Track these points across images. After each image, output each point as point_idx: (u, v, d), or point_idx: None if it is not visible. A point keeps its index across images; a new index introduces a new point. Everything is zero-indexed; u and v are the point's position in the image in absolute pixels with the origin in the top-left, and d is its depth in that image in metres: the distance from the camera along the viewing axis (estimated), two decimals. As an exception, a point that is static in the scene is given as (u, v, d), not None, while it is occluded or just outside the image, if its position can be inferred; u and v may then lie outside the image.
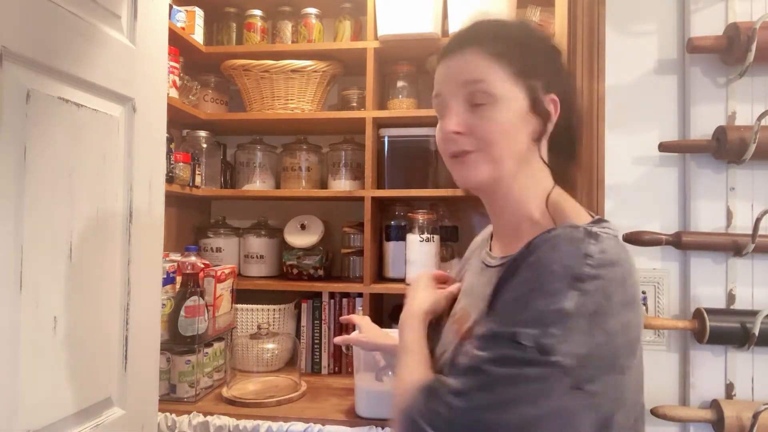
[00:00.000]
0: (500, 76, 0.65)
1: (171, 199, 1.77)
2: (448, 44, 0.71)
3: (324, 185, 1.97)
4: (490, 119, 0.65)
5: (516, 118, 0.65)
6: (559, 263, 0.56)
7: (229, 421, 1.40)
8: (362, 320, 1.16)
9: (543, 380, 0.53)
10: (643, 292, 1.34)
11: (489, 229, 0.84)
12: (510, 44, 0.67)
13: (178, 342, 1.48)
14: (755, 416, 1.17)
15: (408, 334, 0.74)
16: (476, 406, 0.55)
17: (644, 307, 1.32)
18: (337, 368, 1.83)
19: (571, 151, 0.73)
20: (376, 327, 1.14)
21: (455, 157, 0.68)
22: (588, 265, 0.55)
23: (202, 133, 1.90)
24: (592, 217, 0.66)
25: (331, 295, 1.85)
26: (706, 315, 1.23)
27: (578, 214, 0.66)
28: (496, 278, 0.63)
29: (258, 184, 1.95)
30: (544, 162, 0.70)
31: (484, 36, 0.68)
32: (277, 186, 2.00)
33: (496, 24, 0.70)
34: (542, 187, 0.69)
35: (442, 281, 0.86)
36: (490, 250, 0.77)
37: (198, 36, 1.79)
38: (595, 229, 0.58)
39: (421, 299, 0.79)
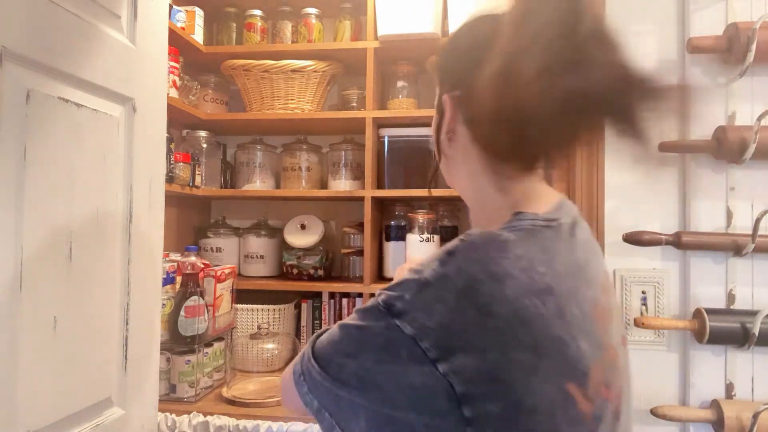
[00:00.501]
0: (439, 92, 0.67)
1: (171, 199, 1.77)
2: None
3: (324, 185, 1.97)
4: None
5: (435, 121, 0.68)
6: (444, 247, 0.54)
7: (229, 421, 1.40)
8: None
9: (385, 338, 0.51)
10: (643, 292, 1.34)
11: None
12: (438, 66, 0.68)
13: (178, 342, 1.48)
14: (755, 416, 1.17)
15: None
16: (326, 354, 0.55)
17: (644, 307, 1.32)
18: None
19: (494, 145, 0.59)
20: None
21: None
22: (460, 240, 0.53)
23: (202, 133, 1.90)
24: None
25: (331, 295, 1.85)
26: (706, 315, 1.23)
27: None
28: None
29: (258, 184, 1.95)
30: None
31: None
32: (277, 186, 2.00)
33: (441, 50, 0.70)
34: (477, 197, 0.65)
35: None
36: None
37: (198, 36, 1.79)
38: (504, 225, 0.56)
39: None
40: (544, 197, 0.61)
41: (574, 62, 0.51)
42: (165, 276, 1.49)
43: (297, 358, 0.61)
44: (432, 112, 0.70)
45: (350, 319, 0.55)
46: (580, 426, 0.50)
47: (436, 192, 1.72)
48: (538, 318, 0.49)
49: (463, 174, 0.65)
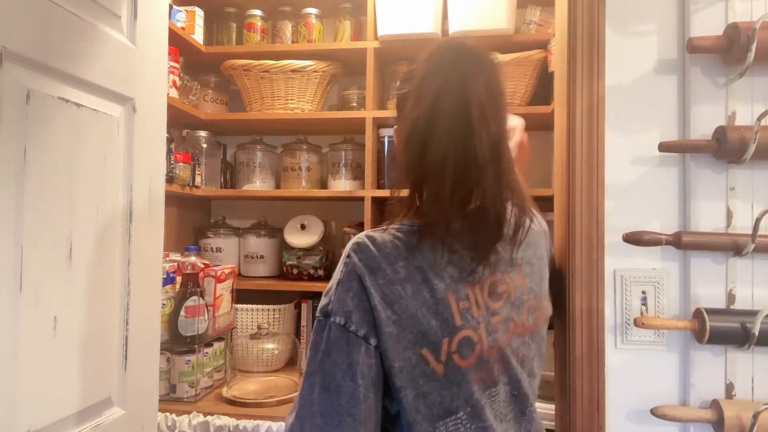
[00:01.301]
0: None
1: (171, 199, 1.77)
2: None
3: (324, 185, 1.97)
4: None
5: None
6: (345, 250, 0.73)
7: (229, 421, 1.40)
8: None
9: (330, 339, 0.68)
10: (643, 292, 1.34)
11: None
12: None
13: (178, 342, 1.48)
14: (755, 416, 1.17)
15: None
16: (303, 382, 0.71)
17: (644, 307, 1.32)
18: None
19: (402, 172, 0.76)
20: None
21: None
22: (351, 247, 0.72)
23: (202, 133, 1.90)
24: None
25: (331, 295, 1.85)
26: (706, 315, 1.23)
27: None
28: None
29: (258, 184, 1.94)
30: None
31: None
32: (277, 186, 2.00)
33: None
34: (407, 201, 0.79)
35: None
36: None
37: (198, 36, 1.79)
38: (387, 226, 0.75)
39: None
40: None
41: (459, 137, 0.69)
42: (165, 276, 1.49)
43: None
44: None
45: (308, 351, 0.71)
46: (432, 380, 0.69)
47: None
48: (399, 299, 0.69)
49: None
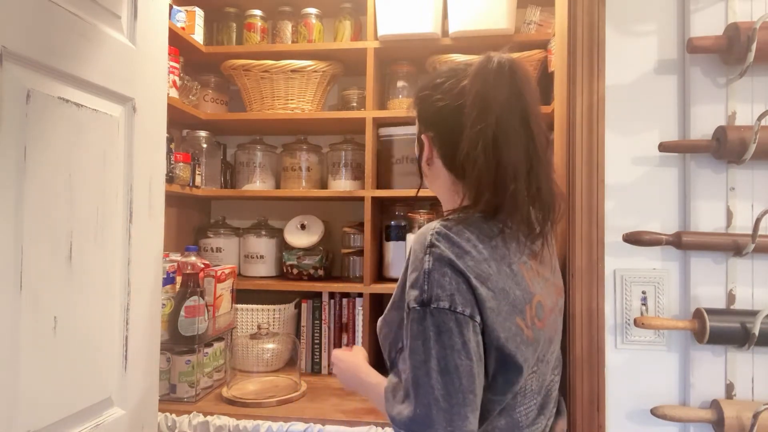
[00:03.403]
0: (417, 119, 0.93)
1: (171, 199, 1.77)
2: None
3: (324, 185, 1.97)
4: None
5: (417, 147, 0.93)
6: (420, 242, 0.78)
7: (229, 421, 1.40)
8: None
9: (437, 324, 0.72)
10: (643, 292, 1.34)
11: None
12: (415, 97, 0.93)
13: (178, 342, 1.48)
14: (755, 416, 1.17)
15: (367, 378, 0.95)
16: (414, 371, 0.73)
17: (644, 307, 1.32)
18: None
19: (472, 180, 0.82)
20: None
21: None
22: (431, 236, 0.76)
23: (202, 133, 1.90)
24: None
25: (331, 295, 1.85)
26: (706, 315, 1.23)
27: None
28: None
29: (258, 184, 1.94)
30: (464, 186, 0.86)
31: (415, 92, 0.94)
32: (277, 186, 2.00)
33: (421, 82, 0.93)
34: (449, 200, 0.90)
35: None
36: None
37: (198, 36, 1.79)
38: (447, 216, 0.82)
39: (354, 359, 1.01)
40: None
41: (525, 143, 0.80)
42: (165, 276, 1.49)
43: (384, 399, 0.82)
44: None
45: (408, 344, 0.75)
46: (528, 345, 0.77)
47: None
48: (489, 276, 0.75)
49: (439, 184, 0.91)
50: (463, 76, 0.85)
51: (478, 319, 0.73)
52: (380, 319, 0.90)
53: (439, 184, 0.91)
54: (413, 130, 0.95)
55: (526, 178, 0.80)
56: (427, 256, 0.75)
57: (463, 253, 0.75)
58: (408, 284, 0.77)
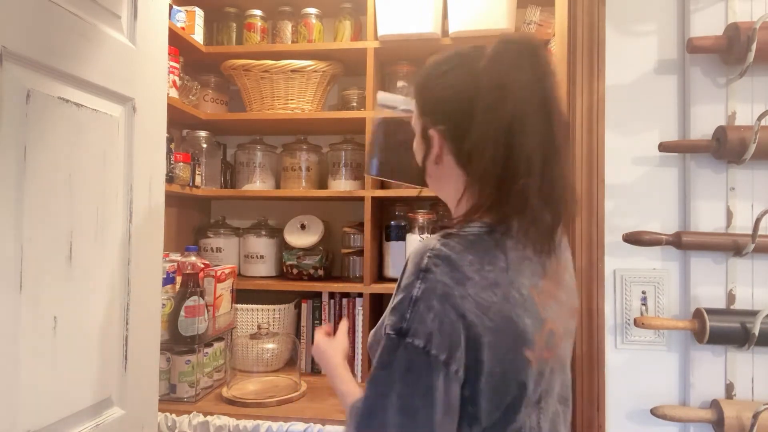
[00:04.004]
0: (415, 112, 0.83)
1: (171, 199, 1.77)
2: None
3: (324, 185, 1.97)
4: (415, 143, 0.85)
5: (417, 145, 0.84)
6: (413, 262, 0.69)
7: (229, 421, 1.40)
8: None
9: (407, 360, 0.65)
10: (643, 292, 1.34)
11: None
12: (417, 89, 0.83)
13: (178, 342, 1.48)
14: (755, 416, 1.17)
15: (340, 385, 0.88)
16: (370, 401, 0.67)
17: (644, 307, 1.32)
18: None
19: (477, 173, 0.75)
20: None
21: None
22: (428, 258, 0.67)
23: (202, 133, 1.90)
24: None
25: (331, 295, 1.85)
26: (706, 315, 1.23)
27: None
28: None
29: (258, 184, 1.94)
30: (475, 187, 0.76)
31: (414, 81, 0.85)
32: (277, 186, 2.00)
33: (422, 70, 0.83)
34: (460, 203, 0.78)
35: (329, 331, 1.02)
36: None
37: (198, 36, 1.79)
38: (452, 230, 0.72)
39: (333, 354, 0.94)
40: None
41: (543, 133, 0.71)
42: (165, 276, 1.49)
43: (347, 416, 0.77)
44: None
45: (376, 365, 0.68)
46: (537, 379, 0.69)
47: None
48: (492, 305, 0.66)
49: (448, 185, 0.81)
50: (474, 59, 0.75)
51: (454, 367, 0.64)
52: (372, 332, 0.79)
53: (448, 186, 0.81)
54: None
55: (540, 173, 0.70)
56: (419, 282, 0.66)
57: (464, 280, 0.66)
58: (391, 305, 0.69)
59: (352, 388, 0.85)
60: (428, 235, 0.79)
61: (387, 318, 0.69)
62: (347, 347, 0.98)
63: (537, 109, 0.71)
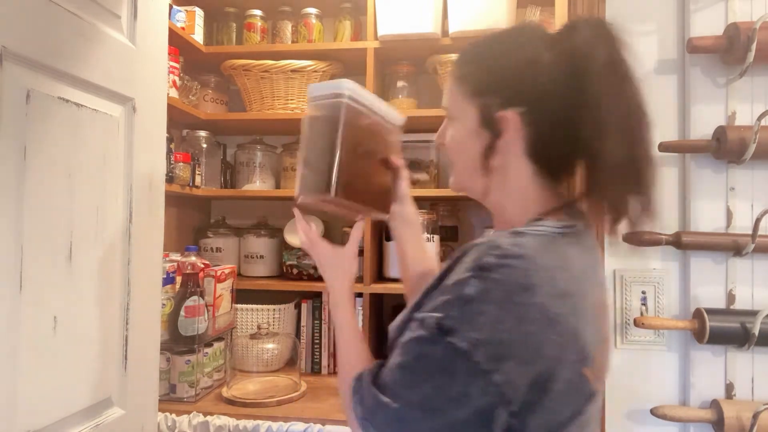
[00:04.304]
0: (458, 97, 0.71)
1: (171, 199, 1.76)
2: None
3: (324, 185, 1.97)
4: (450, 136, 0.74)
5: (465, 136, 0.71)
6: (472, 257, 0.60)
7: (229, 421, 1.40)
8: None
9: (443, 360, 0.58)
10: (643, 292, 1.34)
11: None
12: (471, 65, 0.72)
13: (178, 342, 1.48)
14: (755, 416, 1.17)
15: (341, 315, 0.80)
16: (389, 387, 0.61)
17: (644, 307, 1.32)
18: (337, 368, 1.83)
19: (562, 166, 0.68)
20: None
21: None
22: (493, 255, 0.59)
23: (202, 133, 1.90)
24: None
25: (331, 295, 1.85)
26: (706, 315, 1.23)
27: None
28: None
29: (258, 184, 1.94)
30: (547, 181, 0.69)
31: (457, 60, 0.75)
32: (277, 186, 2.00)
33: (472, 45, 0.73)
34: (524, 202, 0.69)
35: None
36: None
37: (198, 36, 1.79)
38: (521, 228, 0.63)
39: (343, 275, 0.84)
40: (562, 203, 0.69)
41: (638, 128, 0.63)
42: (165, 276, 1.49)
43: (351, 382, 0.67)
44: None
45: (405, 353, 0.61)
46: (592, 400, 0.61)
47: (437, 192, 1.72)
48: (560, 317, 0.58)
49: (507, 181, 0.69)
50: (549, 34, 0.68)
51: (498, 378, 0.55)
52: (394, 327, 0.69)
53: (507, 183, 0.69)
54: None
55: (643, 172, 0.62)
56: (476, 280, 0.58)
57: (531, 286, 0.57)
58: (439, 293, 0.61)
59: (358, 348, 0.76)
60: (495, 231, 0.70)
61: (425, 310, 0.61)
62: (356, 268, 0.87)
63: (636, 92, 0.64)
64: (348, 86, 0.81)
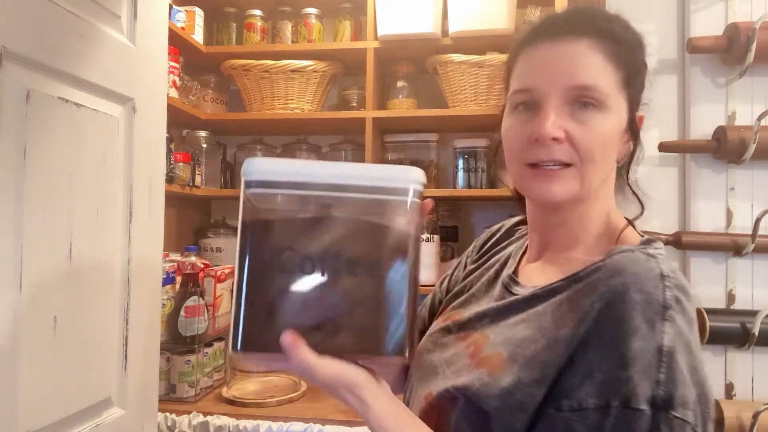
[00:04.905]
0: (613, 81, 0.56)
1: (171, 199, 1.76)
2: (551, 25, 0.58)
3: (324, 185, 1.97)
4: (596, 129, 0.55)
5: (616, 134, 0.57)
6: (637, 290, 0.47)
7: (229, 421, 1.40)
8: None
9: None
10: (643, 292, 1.34)
11: (520, 242, 0.72)
12: (624, 45, 0.58)
13: (178, 342, 1.48)
14: (755, 416, 1.17)
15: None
16: None
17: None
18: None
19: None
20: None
21: (539, 167, 0.56)
22: (668, 288, 0.48)
23: (202, 133, 1.90)
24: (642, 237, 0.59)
25: (331, 295, 1.85)
26: (706, 315, 1.23)
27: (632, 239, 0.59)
28: (547, 318, 0.54)
29: (258, 184, 1.94)
30: (632, 190, 0.63)
31: (602, 28, 0.57)
32: (277, 186, 2.00)
33: (611, 16, 0.60)
34: (610, 213, 0.61)
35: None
36: (515, 273, 0.66)
37: (198, 36, 1.79)
38: (652, 251, 0.52)
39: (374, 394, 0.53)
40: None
41: None
42: (165, 276, 1.49)
43: None
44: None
45: None
46: None
47: (437, 192, 1.72)
48: (699, 365, 0.49)
49: (610, 189, 0.62)
50: None
51: None
52: (469, 391, 0.53)
53: (611, 194, 0.65)
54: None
55: None
56: (665, 324, 0.46)
57: (693, 321, 0.49)
58: (598, 353, 0.47)
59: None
60: (632, 246, 0.54)
61: (626, 382, 0.46)
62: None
63: None
64: (417, 177, 0.53)
